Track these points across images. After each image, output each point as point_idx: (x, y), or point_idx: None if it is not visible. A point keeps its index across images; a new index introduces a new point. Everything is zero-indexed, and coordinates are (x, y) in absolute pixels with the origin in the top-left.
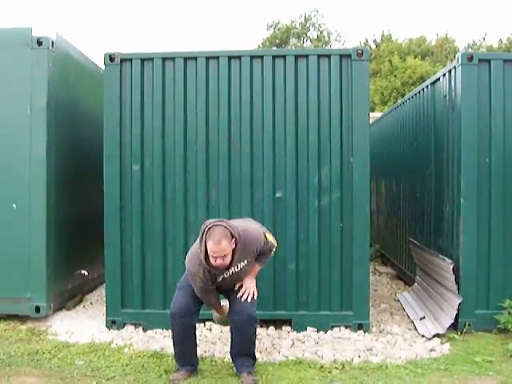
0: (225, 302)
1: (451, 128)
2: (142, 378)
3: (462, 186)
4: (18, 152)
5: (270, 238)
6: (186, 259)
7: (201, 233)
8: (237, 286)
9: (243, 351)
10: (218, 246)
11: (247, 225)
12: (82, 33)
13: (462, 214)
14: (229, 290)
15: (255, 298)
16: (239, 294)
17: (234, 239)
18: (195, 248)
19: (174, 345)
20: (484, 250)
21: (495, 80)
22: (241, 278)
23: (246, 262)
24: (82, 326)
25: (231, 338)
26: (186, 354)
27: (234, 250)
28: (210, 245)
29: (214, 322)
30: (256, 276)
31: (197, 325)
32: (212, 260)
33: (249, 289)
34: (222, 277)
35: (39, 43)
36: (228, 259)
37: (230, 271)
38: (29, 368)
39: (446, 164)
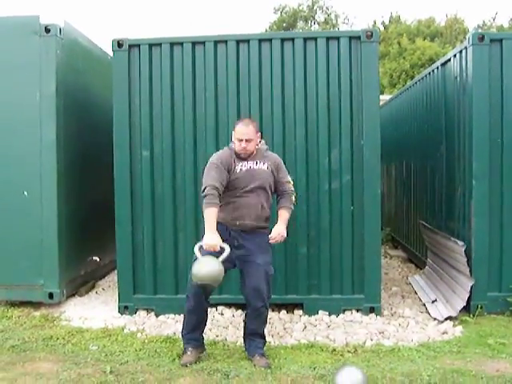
0: (224, 245)
1: (462, 109)
2: (155, 362)
3: (474, 167)
4: (28, 139)
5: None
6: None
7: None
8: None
9: (258, 327)
10: (247, 128)
11: None
12: (89, 19)
13: (473, 196)
14: (243, 260)
15: (284, 235)
16: (271, 235)
17: (259, 133)
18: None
19: (184, 318)
20: (496, 232)
21: (507, 60)
22: (255, 182)
23: (265, 165)
24: (95, 311)
25: (245, 315)
26: (195, 325)
27: (257, 146)
28: (239, 126)
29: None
30: (286, 225)
31: (208, 309)
32: (238, 144)
33: (281, 231)
34: (239, 168)
35: (47, 30)
36: (251, 147)
37: (249, 165)
38: (43, 353)
39: (457, 145)
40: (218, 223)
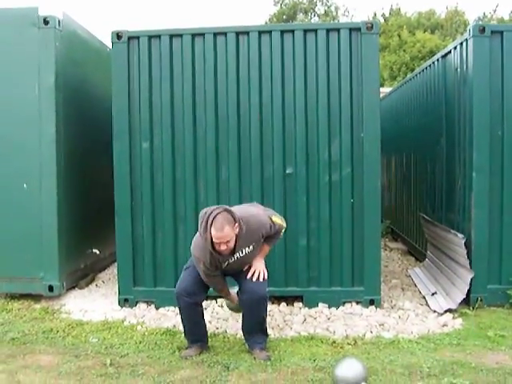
0: (234, 290)
1: (463, 101)
2: (155, 354)
3: (474, 159)
4: (28, 131)
5: (278, 220)
6: (191, 245)
7: (203, 220)
8: (245, 268)
9: (255, 329)
10: (221, 233)
11: (251, 210)
12: (88, 11)
13: (473, 188)
14: (237, 272)
15: (265, 277)
16: (249, 276)
17: (236, 224)
18: (198, 235)
19: (182, 323)
20: (496, 225)
21: (508, 52)
22: (248, 262)
23: (251, 247)
24: (95, 304)
25: (242, 316)
26: (195, 331)
27: (237, 236)
28: (213, 231)
29: (229, 309)
30: (265, 257)
31: (208, 301)
32: (216, 246)
33: (258, 269)
34: (227, 262)
35: (46, 22)
36: (231, 244)
37: (236, 256)
38: (43, 346)
39: (457, 138)
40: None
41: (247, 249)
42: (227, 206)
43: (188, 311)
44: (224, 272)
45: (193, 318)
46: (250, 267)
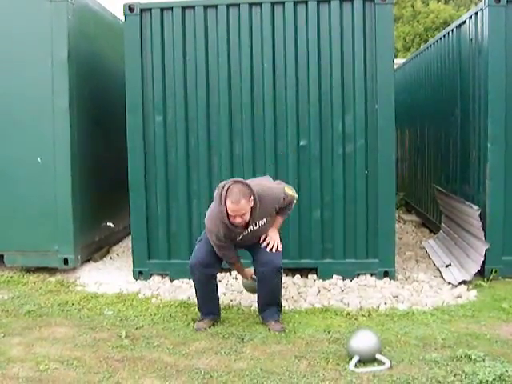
0: (248, 268)
1: (478, 72)
2: (170, 326)
3: (490, 130)
4: (41, 105)
5: (290, 191)
6: (206, 217)
7: (218, 193)
8: (261, 239)
9: (269, 301)
10: (237, 205)
11: (265, 183)
12: None
13: (489, 160)
14: (251, 245)
15: (279, 249)
16: (263, 245)
17: (252, 197)
18: (213, 207)
19: (196, 295)
20: (511, 196)
21: None
22: (261, 235)
23: (265, 220)
24: (110, 277)
25: (258, 289)
26: (208, 303)
27: (252, 208)
28: (228, 204)
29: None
30: (279, 228)
31: (223, 274)
32: (231, 219)
33: (273, 240)
34: (241, 236)
35: None
36: (247, 217)
37: (250, 229)
38: (59, 318)
39: (472, 109)
40: None
41: (261, 221)
42: (243, 179)
43: (202, 283)
44: (237, 245)
45: (207, 290)
46: (265, 237)
